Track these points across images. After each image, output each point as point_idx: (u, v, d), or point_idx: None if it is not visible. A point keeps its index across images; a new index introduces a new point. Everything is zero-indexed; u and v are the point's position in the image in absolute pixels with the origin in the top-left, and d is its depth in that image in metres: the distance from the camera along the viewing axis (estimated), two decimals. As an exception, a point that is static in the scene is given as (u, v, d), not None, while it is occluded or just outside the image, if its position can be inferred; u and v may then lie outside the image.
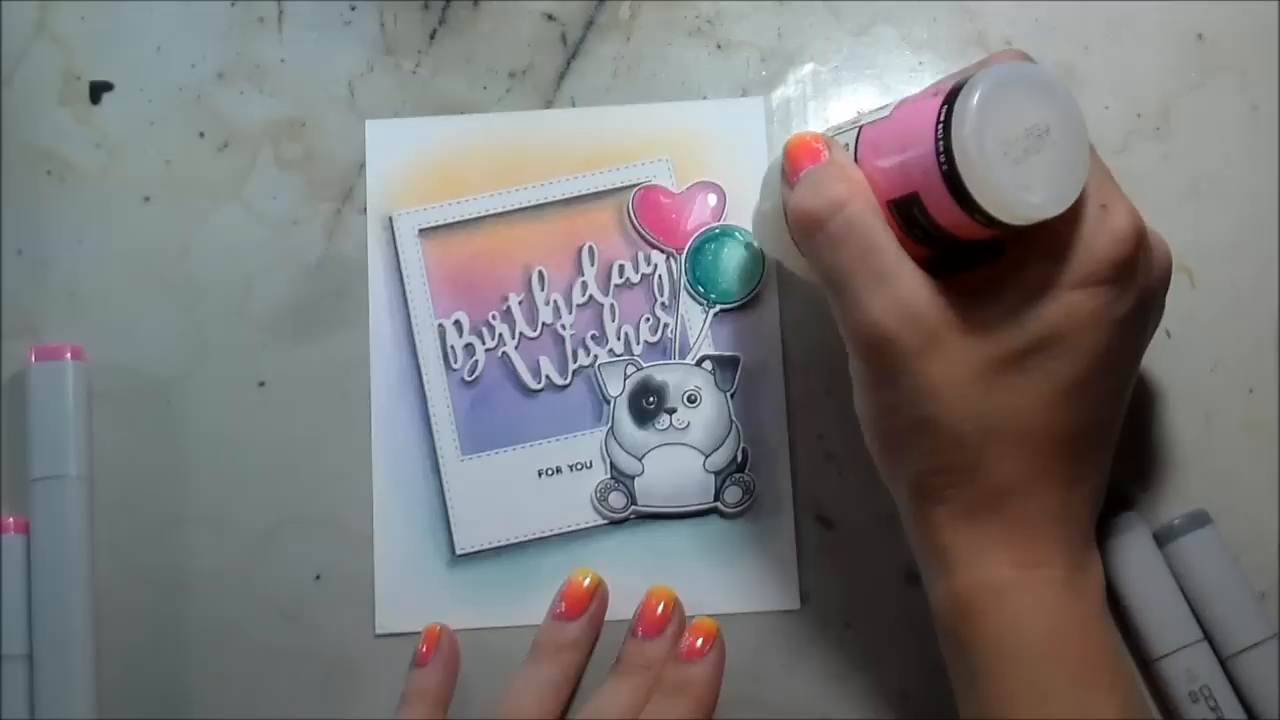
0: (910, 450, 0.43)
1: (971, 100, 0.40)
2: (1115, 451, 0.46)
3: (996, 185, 0.40)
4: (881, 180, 0.43)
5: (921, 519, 0.44)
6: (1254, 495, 0.51)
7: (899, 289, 0.42)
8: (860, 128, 0.44)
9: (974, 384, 0.42)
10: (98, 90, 0.55)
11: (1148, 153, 0.54)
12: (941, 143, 0.40)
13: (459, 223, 0.54)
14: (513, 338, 0.53)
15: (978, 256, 0.43)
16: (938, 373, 0.42)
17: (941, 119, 0.41)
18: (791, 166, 0.45)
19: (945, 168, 0.40)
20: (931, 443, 0.43)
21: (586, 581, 0.51)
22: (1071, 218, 0.41)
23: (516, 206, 0.54)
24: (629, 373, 0.53)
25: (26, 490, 0.51)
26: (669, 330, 0.53)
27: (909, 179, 0.42)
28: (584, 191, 0.54)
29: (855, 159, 0.44)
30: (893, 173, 0.42)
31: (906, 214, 0.42)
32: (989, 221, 0.40)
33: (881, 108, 0.45)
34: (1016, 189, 0.40)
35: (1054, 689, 0.42)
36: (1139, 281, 0.43)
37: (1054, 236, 0.42)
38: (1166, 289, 0.46)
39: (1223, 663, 0.49)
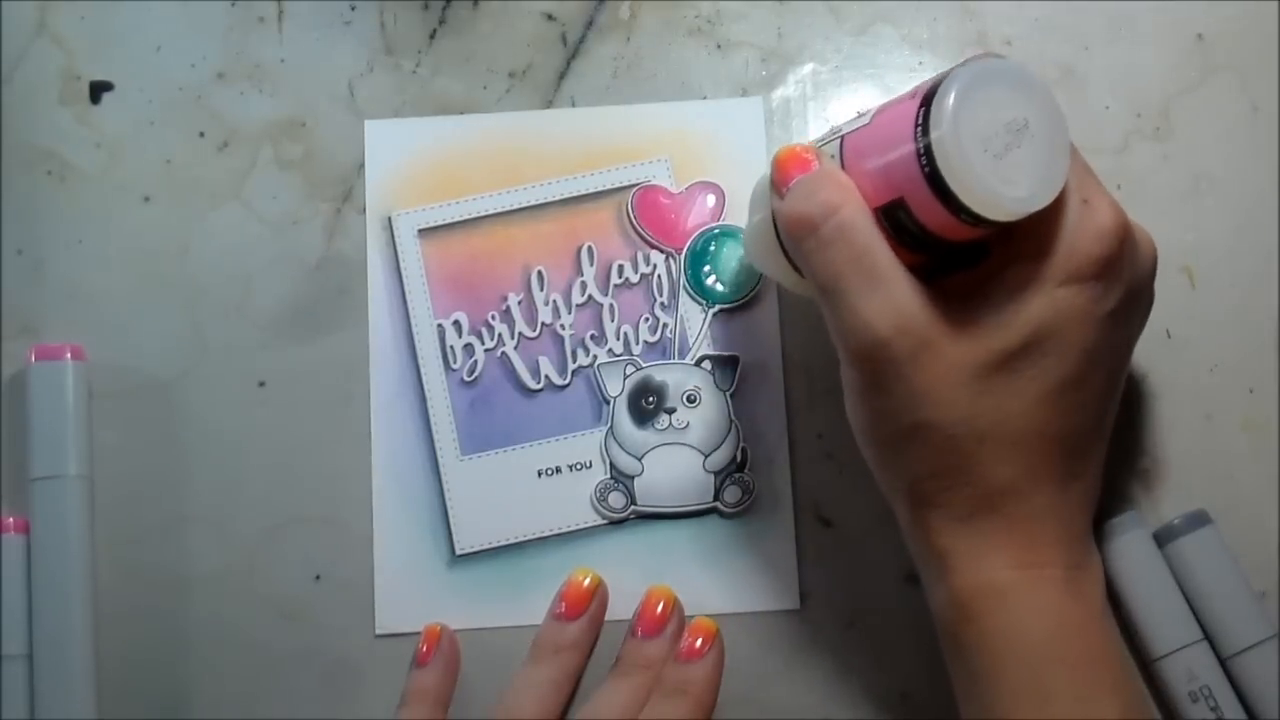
0: (905, 456, 0.43)
1: (948, 100, 0.40)
2: (1114, 451, 0.46)
3: (980, 183, 0.40)
4: (868, 188, 0.43)
5: (919, 524, 0.44)
6: (1254, 495, 0.51)
7: (892, 293, 0.42)
8: (842, 137, 0.44)
9: (966, 387, 0.42)
10: (98, 90, 0.55)
11: (1148, 153, 0.54)
12: (921, 145, 0.40)
13: (458, 223, 0.54)
14: (512, 338, 0.53)
15: (966, 259, 0.43)
16: (930, 377, 0.42)
17: (919, 121, 0.40)
18: (781, 176, 0.45)
19: (927, 170, 0.40)
20: (926, 448, 0.43)
21: (586, 581, 0.51)
22: (1054, 215, 0.42)
23: (516, 206, 0.54)
24: (628, 373, 0.53)
25: (26, 490, 0.51)
26: (668, 330, 0.53)
27: (894, 184, 0.42)
28: (583, 191, 0.54)
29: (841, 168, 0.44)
30: (878, 179, 0.42)
31: (894, 220, 0.42)
32: (975, 220, 0.40)
33: (862, 114, 0.44)
34: (1000, 184, 0.40)
35: (1057, 690, 0.42)
36: (1125, 276, 0.43)
37: (1038, 235, 0.42)
38: (1153, 281, 0.45)
39: (1223, 663, 0.49)
